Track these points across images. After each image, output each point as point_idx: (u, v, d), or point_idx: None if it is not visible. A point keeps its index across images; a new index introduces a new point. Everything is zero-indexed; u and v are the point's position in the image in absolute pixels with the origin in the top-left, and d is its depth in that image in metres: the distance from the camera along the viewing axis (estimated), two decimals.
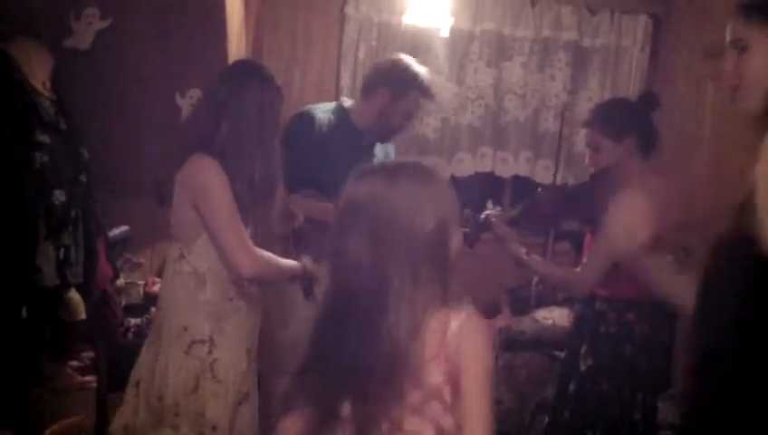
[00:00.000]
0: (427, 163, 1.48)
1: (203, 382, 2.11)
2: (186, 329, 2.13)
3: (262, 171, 2.13)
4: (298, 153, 2.66)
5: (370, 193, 1.34)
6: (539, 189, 2.86)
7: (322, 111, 2.94)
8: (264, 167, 2.14)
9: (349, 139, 2.85)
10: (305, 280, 2.30)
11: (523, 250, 2.57)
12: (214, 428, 2.11)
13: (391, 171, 1.39)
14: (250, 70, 2.23)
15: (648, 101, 2.58)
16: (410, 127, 2.90)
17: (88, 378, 3.25)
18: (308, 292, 2.34)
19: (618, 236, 2.42)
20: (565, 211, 2.60)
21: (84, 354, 3.43)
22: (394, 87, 2.83)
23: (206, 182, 2.06)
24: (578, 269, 2.56)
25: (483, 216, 2.64)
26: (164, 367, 2.13)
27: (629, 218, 2.41)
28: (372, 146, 2.95)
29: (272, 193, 2.19)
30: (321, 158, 2.74)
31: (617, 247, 2.43)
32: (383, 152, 3.00)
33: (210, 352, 2.12)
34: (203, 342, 2.12)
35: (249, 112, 2.11)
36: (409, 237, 1.32)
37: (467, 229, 2.63)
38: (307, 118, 2.90)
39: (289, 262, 2.26)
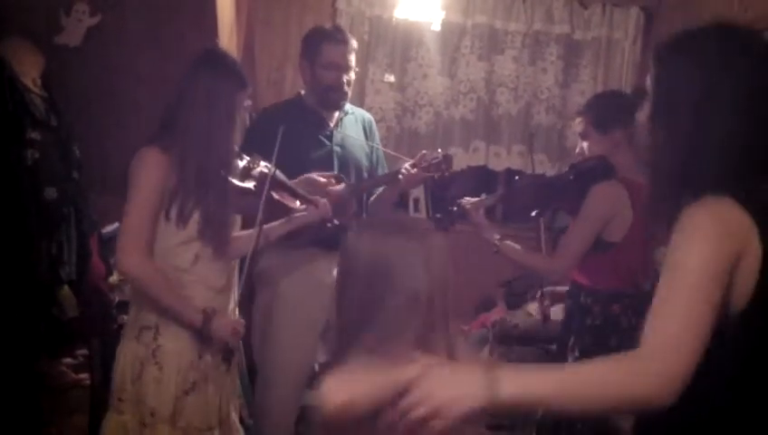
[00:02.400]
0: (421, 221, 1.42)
1: (146, 368, 2.13)
2: (138, 316, 2.17)
3: (211, 161, 2.11)
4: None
5: (363, 250, 1.30)
6: (516, 178, 2.86)
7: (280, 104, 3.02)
8: (213, 156, 2.12)
9: (306, 122, 2.84)
10: (197, 335, 2.15)
11: (497, 237, 2.59)
12: (152, 414, 2.12)
13: (385, 227, 1.35)
14: (205, 60, 2.19)
15: (641, 96, 2.59)
16: (342, 79, 2.84)
17: (82, 375, 3.25)
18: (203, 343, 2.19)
19: (596, 223, 2.43)
20: (542, 200, 2.62)
21: (78, 352, 3.43)
22: (305, 51, 2.87)
23: (134, 173, 2.09)
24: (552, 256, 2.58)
25: (457, 203, 2.64)
26: (119, 354, 2.18)
27: (609, 207, 2.43)
28: (326, 125, 2.88)
29: (221, 183, 2.14)
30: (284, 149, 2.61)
31: (593, 233, 2.44)
32: (355, 128, 2.96)
33: (155, 339, 2.14)
34: (149, 328, 2.15)
35: (198, 102, 2.10)
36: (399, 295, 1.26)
37: (440, 215, 2.64)
38: (263, 115, 2.96)
39: (190, 306, 2.14)
